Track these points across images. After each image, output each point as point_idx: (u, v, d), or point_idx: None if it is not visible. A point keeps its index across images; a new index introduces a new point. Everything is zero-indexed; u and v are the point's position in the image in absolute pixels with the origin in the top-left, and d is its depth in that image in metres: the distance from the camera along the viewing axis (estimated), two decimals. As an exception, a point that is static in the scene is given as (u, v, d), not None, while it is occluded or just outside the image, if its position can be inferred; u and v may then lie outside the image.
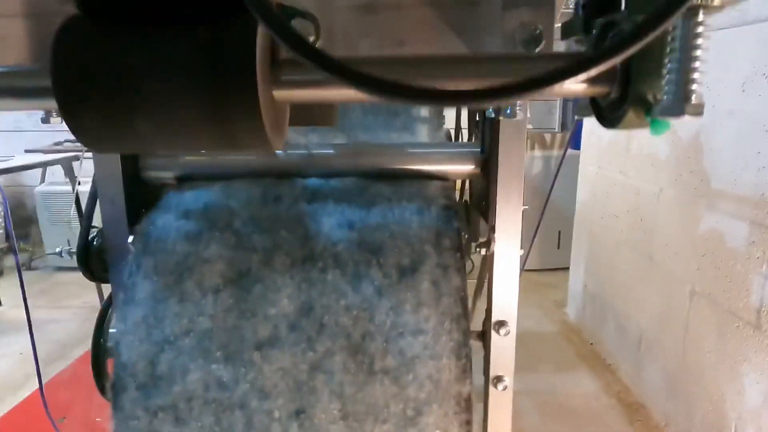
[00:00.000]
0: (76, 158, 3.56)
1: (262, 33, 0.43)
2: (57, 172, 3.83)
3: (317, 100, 0.52)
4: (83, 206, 3.08)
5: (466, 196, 1.45)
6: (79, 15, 0.45)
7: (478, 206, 1.14)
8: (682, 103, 0.41)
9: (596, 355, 2.56)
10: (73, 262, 2.84)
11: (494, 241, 0.99)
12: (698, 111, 0.41)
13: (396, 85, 0.34)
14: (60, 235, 3.92)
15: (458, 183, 1.47)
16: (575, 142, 4.20)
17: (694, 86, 0.41)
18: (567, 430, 1.99)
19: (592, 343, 2.66)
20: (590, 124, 2.68)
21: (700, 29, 0.42)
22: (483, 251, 1.00)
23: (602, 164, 2.49)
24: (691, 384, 1.79)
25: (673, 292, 1.91)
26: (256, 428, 0.82)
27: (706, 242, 1.70)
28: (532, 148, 4.26)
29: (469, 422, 0.85)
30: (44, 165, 3.68)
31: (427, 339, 0.83)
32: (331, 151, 1.06)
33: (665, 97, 0.43)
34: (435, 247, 0.89)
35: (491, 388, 1.02)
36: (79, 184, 3.49)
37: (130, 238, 0.94)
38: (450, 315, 0.84)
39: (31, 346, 2.83)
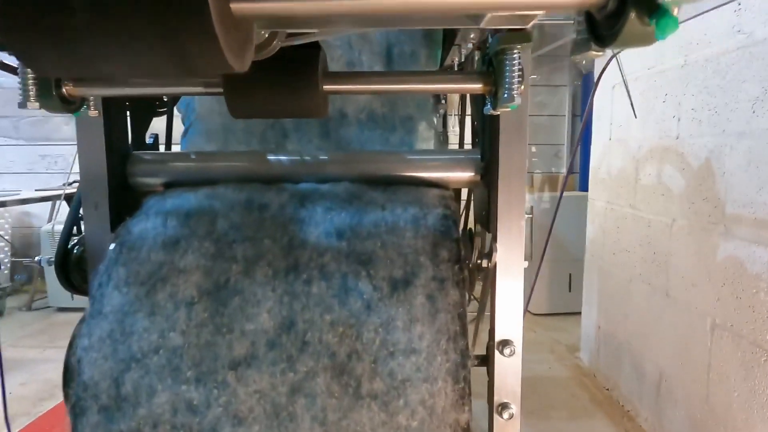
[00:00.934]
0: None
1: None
2: (65, 212, 3.85)
3: (283, 15, 0.47)
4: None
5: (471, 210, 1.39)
6: None
7: (479, 216, 1.08)
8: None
9: (613, 401, 2.41)
10: (74, 302, 2.76)
11: (496, 252, 0.93)
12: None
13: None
14: (62, 275, 3.88)
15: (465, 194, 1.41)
16: (583, 184, 4.18)
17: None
18: (584, 481, 1.83)
19: (608, 388, 2.51)
20: (597, 160, 2.65)
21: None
22: (484, 263, 0.94)
23: (611, 198, 2.43)
24: (718, 428, 1.65)
25: (692, 327, 1.80)
26: None
27: (724, 271, 1.61)
28: (542, 189, 4.23)
29: None
30: (48, 199, 3.69)
31: (421, 360, 0.75)
32: (325, 158, 1.01)
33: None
34: (431, 259, 0.82)
35: (496, 417, 0.92)
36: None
37: (112, 246, 0.89)
38: (446, 333, 0.77)
39: (18, 386, 2.75)
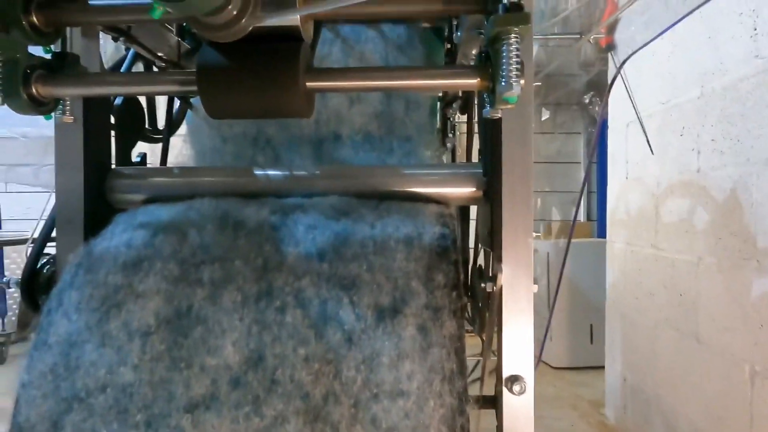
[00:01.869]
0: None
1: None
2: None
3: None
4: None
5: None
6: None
7: (482, 235, 0.99)
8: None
9: None
10: None
11: (501, 273, 0.83)
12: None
13: None
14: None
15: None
16: (600, 230, 4.06)
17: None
18: None
19: None
20: (614, 201, 2.55)
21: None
22: (488, 287, 0.85)
23: (630, 239, 2.33)
24: None
25: (729, 375, 1.65)
26: None
27: (761, 311, 1.48)
28: (558, 236, 4.12)
29: None
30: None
31: (409, 404, 0.65)
32: (315, 172, 0.95)
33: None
34: (424, 284, 0.72)
35: None
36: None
37: (68, 267, 0.81)
38: (441, 372, 0.67)
39: None
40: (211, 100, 0.70)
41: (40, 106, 0.76)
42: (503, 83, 0.64)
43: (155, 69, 1.05)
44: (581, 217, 4.27)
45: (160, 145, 1.13)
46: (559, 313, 3.04)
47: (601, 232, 4.07)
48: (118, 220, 0.85)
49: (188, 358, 0.67)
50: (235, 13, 0.56)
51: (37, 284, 0.91)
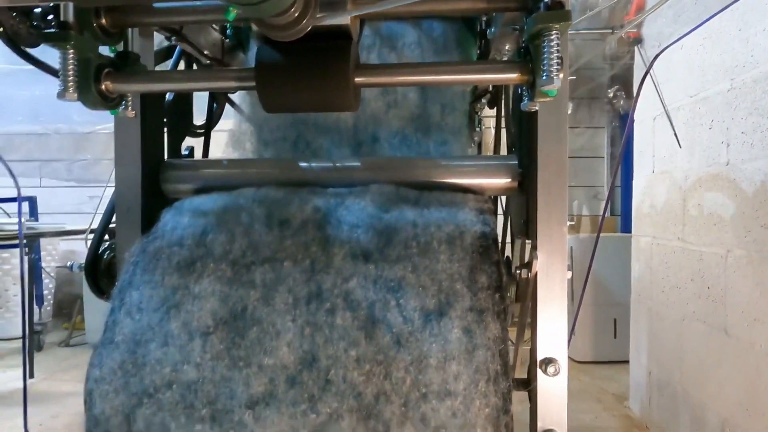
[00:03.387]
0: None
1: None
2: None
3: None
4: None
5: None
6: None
7: (516, 224, 1.03)
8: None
9: None
10: None
11: (536, 260, 0.87)
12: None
13: None
14: (101, 313, 3.95)
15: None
16: (625, 225, 4.03)
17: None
18: None
19: None
20: (640, 195, 2.55)
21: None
22: (524, 273, 0.88)
23: (657, 233, 2.32)
24: None
25: (758, 368, 1.65)
26: None
27: None
28: (584, 231, 4.11)
29: None
30: (91, 232, 3.81)
31: (456, 404, 0.69)
32: (357, 164, 0.99)
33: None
34: (468, 286, 0.76)
35: None
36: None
37: (126, 268, 0.87)
38: (486, 373, 0.71)
39: (49, 418, 2.76)
40: (268, 95, 0.76)
41: (108, 101, 0.82)
42: (544, 77, 0.68)
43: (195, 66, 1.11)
44: (603, 205, 4.26)
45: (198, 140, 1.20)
46: (582, 307, 3.05)
47: (625, 227, 4.04)
48: (169, 213, 0.90)
49: (246, 357, 0.72)
50: (296, 14, 0.61)
51: (99, 269, 0.98)
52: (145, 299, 0.77)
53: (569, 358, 3.76)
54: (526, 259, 0.90)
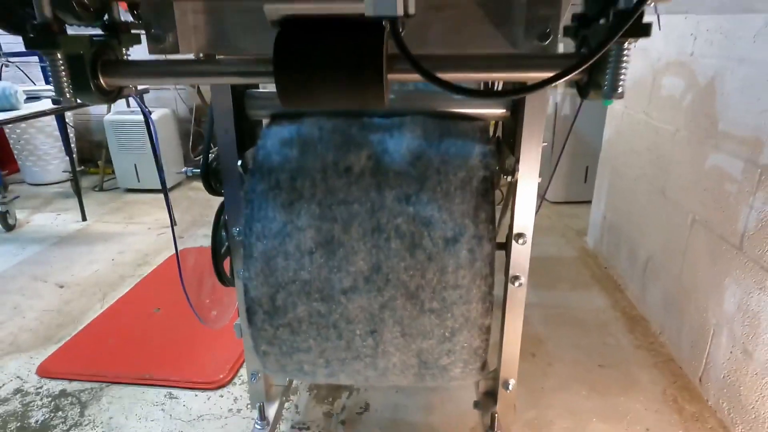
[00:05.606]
0: (146, 91, 3.86)
1: (385, 42, 0.68)
2: (119, 102, 4.16)
3: (410, 80, 0.79)
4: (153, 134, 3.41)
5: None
6: (290, 25, 0.71)
7: (507, 143, 1.39)
8: (611, 92, 0.69)
9: (609, 277, 2.79)
10: (140, 184, 3.36)
11: (518, 171, 1.26)
12: (620, 97, 0.68)
13: (458, 87, 0.64)
14: (128, 161, 4.30)
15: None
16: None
17: (620, 82, 0.67)
18: (574, 335, 2.32)
19: (606, 267, 2.88)
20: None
21: (626, 52, 0.67)
22: (509, 178, 1.28)
23: (628, 104, 2.60)
24: (684, 299, 2.06)
25: (677, 221, 2.09)
26: (345, 339, 1.12)
27: (709, 178, 1.87)
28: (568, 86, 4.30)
29: (487, 340, 1.12)
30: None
31: (463, 291, 1.07)
32: (391, 96, 1.31)
33: (605, 86, 0.70)
34: (472, 220, 1.06)
35: (510, 286, 1.31)
36: (150, 113, 3.81)
37: (239, 162, 1.24)
38: (480, 275, 1.07)
39: (117, 254, 3.27)
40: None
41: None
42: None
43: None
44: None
45: None
46: (557, 155, 3.41)
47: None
48: (259, 158, 1.13)
49: (338, 266, 1.03)
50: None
51: (209, 174, 1.35)
52: (266, 230, 1.05)
53: (545, 199, 4.27)
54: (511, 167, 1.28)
